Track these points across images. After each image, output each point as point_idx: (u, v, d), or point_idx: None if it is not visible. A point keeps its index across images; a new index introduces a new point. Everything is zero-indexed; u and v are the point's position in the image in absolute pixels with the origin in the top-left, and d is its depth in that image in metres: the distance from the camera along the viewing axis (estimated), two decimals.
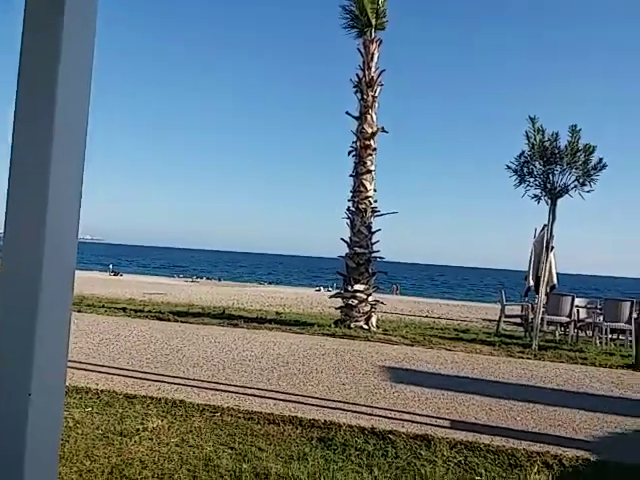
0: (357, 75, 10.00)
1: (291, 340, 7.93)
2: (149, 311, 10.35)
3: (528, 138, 8.72)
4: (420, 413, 4.54)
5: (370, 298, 9.59)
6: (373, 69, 9.94)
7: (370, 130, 9.87)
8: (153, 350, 6.53)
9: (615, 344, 10.51)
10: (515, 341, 9.75)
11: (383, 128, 9.97)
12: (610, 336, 10.74)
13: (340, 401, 4.73)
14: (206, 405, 4.32)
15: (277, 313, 11.83)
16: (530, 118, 8.75)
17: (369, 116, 9.87)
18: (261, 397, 4.67)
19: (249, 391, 4.85)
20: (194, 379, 5.20)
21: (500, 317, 11.66)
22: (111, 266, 36.23)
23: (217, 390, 4.82)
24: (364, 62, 9.95)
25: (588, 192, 8.64)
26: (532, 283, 11.25)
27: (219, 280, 34.49)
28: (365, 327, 9.37)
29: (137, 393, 4.55)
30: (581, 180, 8.50)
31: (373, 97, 9.91)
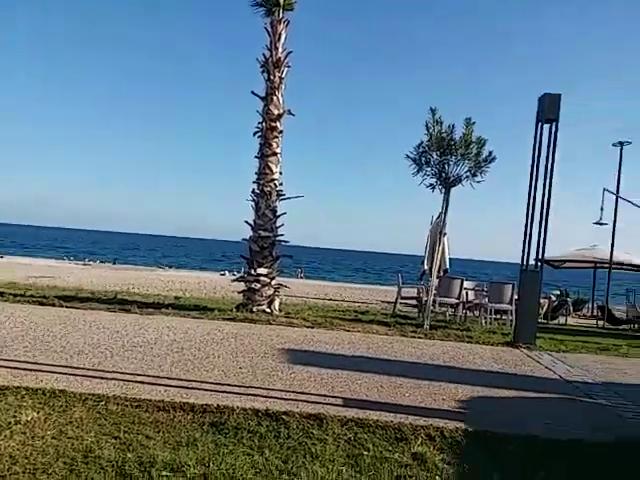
0: (264, 55, 9.80)
1: (188, 325, 7.69)
2: (31, 295, 9.52)
3: (427, 129, 9.09)
4: (315, 393, 4.59)
5: (273, 282, 9.55)
6: (280, 50, 9.78)
7: (276, 112, 9.73)
8: (32, 337, 6.00)
9: (498, 323, 11.43)
10: (410, 321, 10.25)
11: (290, 110, 9.88)
12: (494, 316, 11.67)
13: (236, 385, 4.66)
14: (89, 394, 4.05)
15: (176, 298, 11.43)
16: (431, 109, 9.12)
17: (275, 97, 9.72)
18: (151, 384, 4.46)
19: (139, 378, 4.61)
20: (77, 367, 4.84)
21: (396, 299, 12.20)
22: None
23: (103, 379, 4.53)
24: (271, 42, 9.75)
25: (478, 182, 9.23)
26: (427, 267, 11.89)
27: (114, 263, 32.67)
28: (267, 311, 9.33)
29: (10, 384, 4.15)
30: (472, 171, 9.04)
31: (280, 78, 9.76)
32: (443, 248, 12.92)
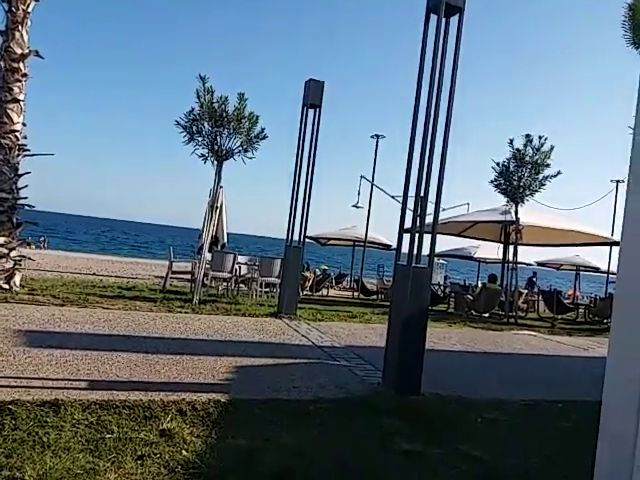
0: None
1: None
2: None
3: (199, 97, 8.85)
4: (54, 377, 4.10)
5: (13, 253, 8.23)
6: None
7: (20, 51, 8.28)
8: None
9: (268, 296, 12.00)
10: (180, 297, 10.01)
11: (38, 52, 8.51)
12: (265, 289, 12.22)
13: None
14: None
15: None
16: (200, 77, 8.87)
17: (18, 33, 8.25)
18: None
19: None
20: None
21: (167, 273, 11.80)
22: None
23: None
24: None
25: (250, 158, 9.41)
26: (204, 241, 11.78)
27: None
28: (5, 287, 8.01)
29: None
30: (245, 146, 9.17)
31: (24, 11, 8.32)
32: (221, 222, 12.96)
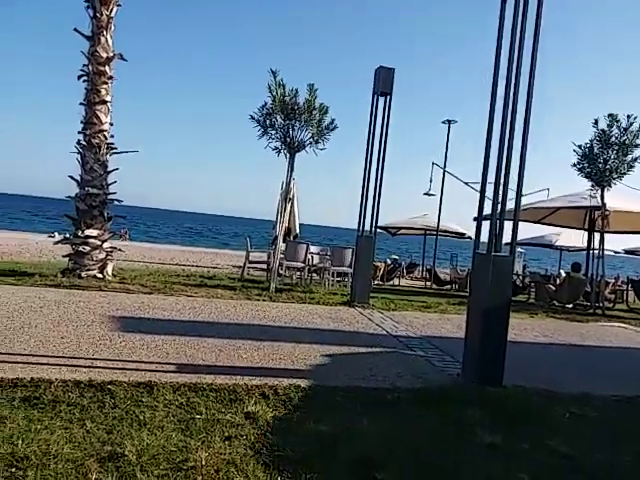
0: None
1: (0, 292, 6.79)
2: None
3: (270, 91, 9.00)
4: (147, 361, 4.38)
5: (105, 244, 8.84)
6: None
7: (105, 55, 8.81)
8: None
9: (340, 285, 12.10)
10: (257, 285, 10.33)
11: (122, 55, 9.01)
12: (337, 279, 12.33)
13: (56, 356, 4.24)
14: None
15: None
16: (272, 71, 9.02)
17: (103, 38, 8.78)
18: None
19: None
20: None
21: (245, 263, 12.20)
22: None
23: None
24: None
25: (321, 150, 9.48)
26: (278, 232, 12.05)
27: None
28: (99, 276, 8.64)
29: None
30: (315, 138, 9.24)
31: (108, 17, 8.81)
32: (293, 213, 13.20)
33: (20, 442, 2.75)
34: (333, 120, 9.28)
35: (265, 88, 9.02)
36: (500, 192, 4.62)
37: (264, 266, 12.56)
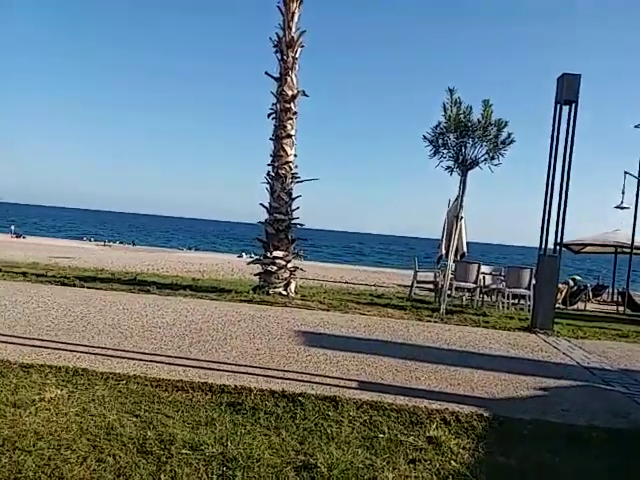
0: (277, 34, 9.71)
1: (205, 307, 7.79)
2: (53, 276, 9.73)
3: (445, 110, 8.95)
4: (331, 375, 4.64)
5: (289, 264, 9.61)
6: (293, 29, 9.68)
7: (290, 93, 9.67)
8: (54, 317, 6.15)
9: (516, 308, 11.35)
10: (426, 306, 10.23)
11: (304, 91, 9.81)
12: (512, 301, 11.59)
13: (253, 366, 4.73)
14: (110, 373, 4.15)
15: (193, 279, 11.57)
16: (449, 89, 8.95)
17: (289, 78, 9.65)
18: (170, 364, 4.56)
19: (158, 358, 4.71)
20: (98, 347, 4.96)
21: (412, 283, 12.17)
22: (13, 227, 33.68)
23: (123, 358, 4.64)
24: (284, 21, 9.65)
25: (496, 165, 9.10)
26: (444, 251, 11.82)
27: (133, 244, 33.17)
28: (284, 293, 9.40)
29: (34, 362, 4.27)
30: (491, 153, 8.90)
31: (294, 58, 9.67)
32: (460, 232, 12.82)
33: (229, 444, 3.13)
34: (510, 134, 8.87)
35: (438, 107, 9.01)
36: None
37: (431, 286, 12.38)
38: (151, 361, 4.61)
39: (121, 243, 33.24)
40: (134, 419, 3.41)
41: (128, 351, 4.90)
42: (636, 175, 16.10)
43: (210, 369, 4.51)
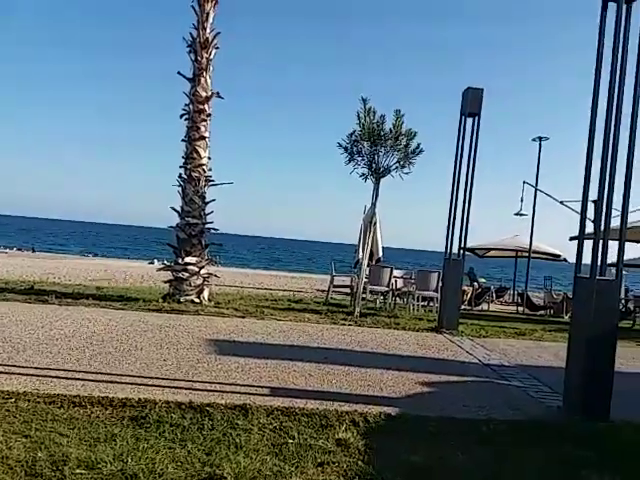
0: (191, 34, 9.48)
1: (110, 316, 7.37)
2: None
3: (359, 118, 9.18)
4: (242, 384, 4.54)
5: (202, 271, 9.33)
6: (208, 30, 9.50)
7: (204, 94, 9.46)
8: None
9: (425, 310, 11.83)
10: (342, 309, 10.38)
11: (218, 93, 9.64)
12: (422, 303, 12.06)
13: (159, 377, 4.52)
14: None
15: (98, 288, 10.92)
16: (362, 99, 9.21)
17: (203, 79, 9.44)
18: (67, 379, 4.24)
19: (53, 373, 4.37)
20: None
21: (329, 287, 12.31)
22: None
23: (13, 374, 4.25)
24: (198, 21, 9.45)
25: (407, 174, 9.47)
26: (361, 256, 12.08)
27: (33, 251, 30.81)
28: (196, 301, 9.12)
29: None
30: (401, 162, 9.25)
31: (208, 59, 9.49)
32: (375, 237, 13.18)
33: (129, 460, 2.95)
34: (419, 144, 9.28)
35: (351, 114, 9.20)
36: (603, 210, 4.34)
37: (347, 290, 12.59)
38: (45, 376, 4.26)
39: (19, 249, 30.75)
40: (23, 440, 3.12)
41: (19, 366, 4.50)
42: (533, 184, 17.47)
43: (112, 382, 4.26)
